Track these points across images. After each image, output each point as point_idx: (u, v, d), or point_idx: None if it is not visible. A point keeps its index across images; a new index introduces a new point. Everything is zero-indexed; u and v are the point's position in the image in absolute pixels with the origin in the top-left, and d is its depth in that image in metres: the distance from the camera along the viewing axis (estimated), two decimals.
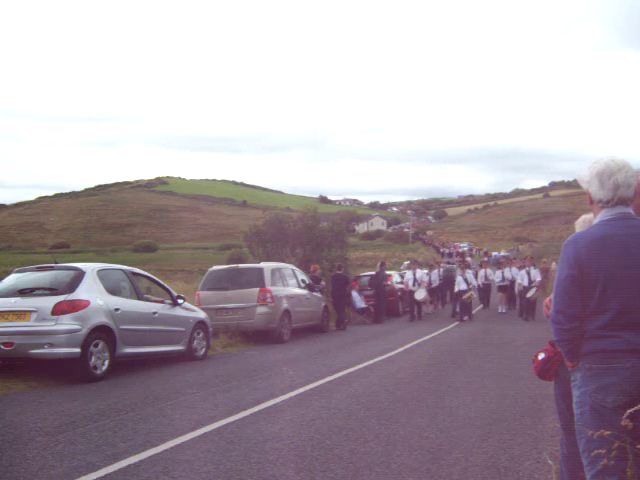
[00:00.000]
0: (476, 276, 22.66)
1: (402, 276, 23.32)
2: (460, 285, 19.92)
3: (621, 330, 2.86)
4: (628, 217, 2.99)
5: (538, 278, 19.39)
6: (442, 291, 25.19)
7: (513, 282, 21.27)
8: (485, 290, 23.50)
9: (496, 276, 22.63)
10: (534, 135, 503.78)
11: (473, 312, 20.54)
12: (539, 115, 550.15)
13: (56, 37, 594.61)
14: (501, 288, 22.37)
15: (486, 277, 22.91)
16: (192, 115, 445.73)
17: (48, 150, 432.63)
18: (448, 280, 23.76)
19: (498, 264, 26.26)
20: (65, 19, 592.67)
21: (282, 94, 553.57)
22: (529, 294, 18.53)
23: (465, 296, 19.43)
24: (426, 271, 23.37)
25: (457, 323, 18.60)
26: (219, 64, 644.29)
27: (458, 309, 20.06)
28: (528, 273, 19.50)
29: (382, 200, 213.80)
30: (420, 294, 20.25)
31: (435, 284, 23.47)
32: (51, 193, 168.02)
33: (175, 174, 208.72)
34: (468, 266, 24.42)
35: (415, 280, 20.75)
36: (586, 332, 2.93)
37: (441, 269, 25.77)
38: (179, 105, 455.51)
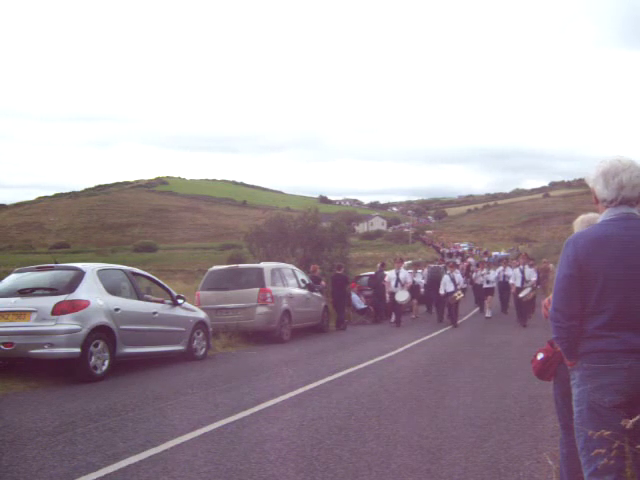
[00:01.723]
0: (472, 276, 22.19)
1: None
2: (446, 286, 18.17)
3: (619, 330, 2.85)
4: (631, 217, 2.96)
5: (533, 278, 17.66)
6: (428, 294, 22.45)
7: (504, 283, 20.10)
8: (481, 291, 22.13)
9: (482, 275, 21.39)
10: (533, 135, 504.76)
11: (468, 316, 19.61)
12: (538, 115, 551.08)
13: (55, 37, 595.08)
14: (489, 290, 20.70)
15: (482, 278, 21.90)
16: (190, 115, 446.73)
17: (48, 150, 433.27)
18: (433, 281, 21.02)
19: (496, 264, 25.62)
20: (64, 19, 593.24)
21: (280, 94, 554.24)
22: (522, 294, 17.09)
23: (451, 297, 17.92)
24: (411, 271, 21.64)
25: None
26: (218, 64, 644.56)
27: (447, 313, 18.42)
28: (522, 272, 17.74)
29: (382, 200, 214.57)
30: (402, 296, 18.38)
31: (421, 285, 21.89)
32: (51, 193, 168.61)
33: (175, 174, 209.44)
34: (468, 267, 23.73)
35: (398, 280, 18.80)
36: (585, 332, 2.93)
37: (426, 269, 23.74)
38: (178, 105, 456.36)
